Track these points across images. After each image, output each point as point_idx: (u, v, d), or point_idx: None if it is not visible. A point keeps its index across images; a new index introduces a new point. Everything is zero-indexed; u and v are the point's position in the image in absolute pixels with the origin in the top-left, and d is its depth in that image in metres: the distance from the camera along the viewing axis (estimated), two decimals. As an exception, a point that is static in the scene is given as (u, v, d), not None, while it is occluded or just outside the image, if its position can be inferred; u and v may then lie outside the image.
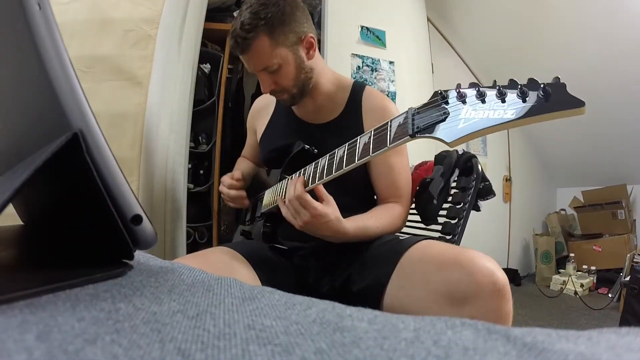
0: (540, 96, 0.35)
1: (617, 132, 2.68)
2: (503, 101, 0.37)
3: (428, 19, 2.45)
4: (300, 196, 0.63)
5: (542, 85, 0.35)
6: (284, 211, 0.67)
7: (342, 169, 0.57)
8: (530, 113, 0.35)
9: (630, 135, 2.62)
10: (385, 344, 0.18)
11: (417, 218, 0.94)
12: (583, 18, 2.34)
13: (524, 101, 0.36)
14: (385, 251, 0.70)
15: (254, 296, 0.26)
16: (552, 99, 0.34)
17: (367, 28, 2.06)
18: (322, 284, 0.78)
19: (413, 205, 0.94)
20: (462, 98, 0.40)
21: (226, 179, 0.92)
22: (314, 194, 0.65)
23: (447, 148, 0.99)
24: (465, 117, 0.39)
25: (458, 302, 0.53)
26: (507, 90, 0.37)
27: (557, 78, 0.35)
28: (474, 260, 0.54)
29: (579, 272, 2.75)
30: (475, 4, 2.80)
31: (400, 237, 0.72)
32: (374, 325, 0.21)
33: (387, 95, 2.01)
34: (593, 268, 2.69)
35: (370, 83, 1.99)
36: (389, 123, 0.50)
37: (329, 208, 0.64)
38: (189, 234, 1.69)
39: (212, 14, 1.82)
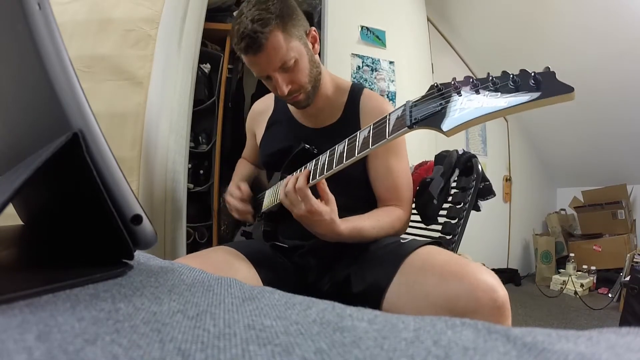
0: (532, 84, 0.36)
1: (617, 132, 2.68)
2: (496, 91, 0.39)
3: (428, 19, 2.45)
4: (300, 188, 0.62)
5: (532, 74, 0.37)
6: (282, 197, 0.67)
7: (342, 163, 0.57)
8: (523, 100, 0.37)
9: (630, 135, 2.61)
10: (385, 344, 0.18)
11: (418, 218, 0.94)
12: (583, 18, 2.34)
13: (517, 90, 0.37)
14: (386, 254, 0.69)
15: (254, 296, 0.26)
16: (543, 86, 0.36)
17: (367, 28, 2.06)
18: (322, 283, 0.78)
19: (413, 205, 0.94)
20: (457, 90, 0.42)
21: (235, 190, 0.88)
22: (316, 191, 0.65)
23: (447, 147, 1.00)
24: (461, 107, 0.41)
25: (457, 316, 0.53)
26: (500, 81, 0.39)
27: (547, 67, 0.37)
28: (475, 274, 0.53)
29: (579, 272, 2.75)
30: (475, 4, 2.80)
31: (402, 240, 0.71)
32: (374, 325, 0.21)
33: (387, 95, 2.01)
34: (593, 268, 2.69)
35: (370, 83, 1.99)
36: (388, 116, 0.52)
37: (326, 207, 0.64)
38: (189, 234, 1.69)
39: (212, 14, 1.82)
